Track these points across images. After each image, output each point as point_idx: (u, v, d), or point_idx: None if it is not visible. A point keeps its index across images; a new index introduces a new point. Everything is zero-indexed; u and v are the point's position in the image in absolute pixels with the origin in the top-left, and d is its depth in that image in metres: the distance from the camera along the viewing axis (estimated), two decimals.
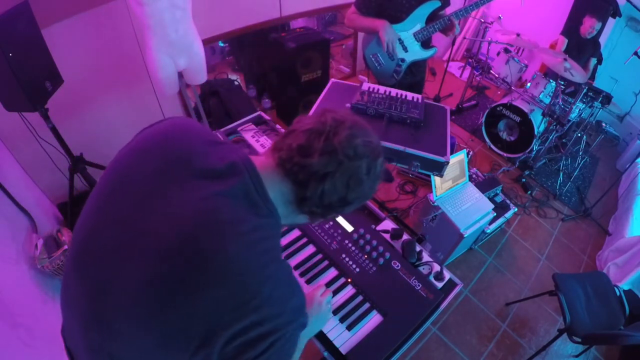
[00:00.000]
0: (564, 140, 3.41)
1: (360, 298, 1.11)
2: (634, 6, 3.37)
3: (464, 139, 3.50)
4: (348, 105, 1.70)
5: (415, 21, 1.92)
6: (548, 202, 3.03)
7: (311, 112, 1.67)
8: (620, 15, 3.11)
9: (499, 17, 4.01)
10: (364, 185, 0.64)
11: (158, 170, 0.61)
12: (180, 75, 2.20)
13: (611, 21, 3.32)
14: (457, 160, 2.13)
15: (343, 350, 1.00)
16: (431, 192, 2.08)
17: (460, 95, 3.87)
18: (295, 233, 1.26)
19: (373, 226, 1.29)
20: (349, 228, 1.26)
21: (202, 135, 0.68)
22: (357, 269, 1.16)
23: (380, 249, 1.19)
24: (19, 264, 1.56)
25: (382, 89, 1.79)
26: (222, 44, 3.86)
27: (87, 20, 2.09)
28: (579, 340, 1.70)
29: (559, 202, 3.06)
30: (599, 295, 1.89)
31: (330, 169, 0.60)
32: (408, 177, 2.93)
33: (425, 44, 2.02)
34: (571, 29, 3.19)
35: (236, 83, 3.19)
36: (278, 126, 1.69)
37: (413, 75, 2.16)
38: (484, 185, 2.40)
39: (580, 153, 3.27)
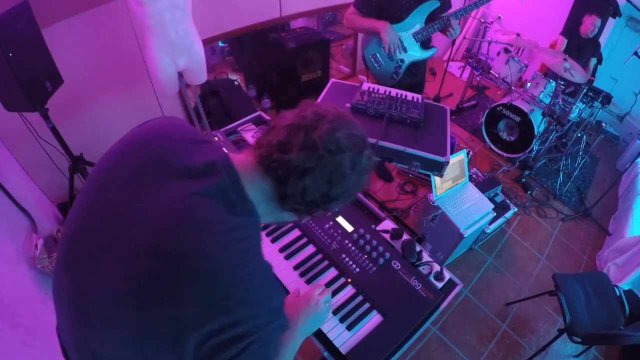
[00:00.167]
0: (564, 140, 3.41)
1: (360, 298, 1.11)
2: (634, 6, 3.37)
3: (464, 139, 3.50)
4: (348, 105, 1.70)
5: (415, 21, 1.92)
6: (548, 202, 3.03)
7: None
8: (620, 15, 3.11)
9: (499, 17, 4.01)
10: (349, 180, 0.62)
11: (139, 170, 0.61)
12: (180, 75, 2.20)
13: (611, 21, 3.32)
14: (457, 160, 2.13)
15: (343, 350, 1.00)
16: (431, 192, 2.08)
17: (460, 95, 3.87)
18: (295, 233, 1.26)
19: (373, 226, 1.29)
20: (349, 228, 1.26)
21: (184, 134, 0.67)
22: (357, 269, 1.16)
23: (380, 249, 1.19)
24: (19, 264, 1.56)
25: (382, 89, 1.79)
26: (222, 44, 3.86)
27: (87, 20, 2.09)
28: (579, 340, 1.70)
29: (559, 202, 3.06)
30: (599, 295, 1.89)
31: (310, 164, 0.58)
32: (408, 177, 2.93)
33: (425, 44, 2.02)
34: (571, 29, 3.19)
35: (236, 83, 3.19)
36: None
37: (413, 76, 2.16)
38: (484, 185, 2.40)
39: (580, 153, 3.27)
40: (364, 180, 0.67)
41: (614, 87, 3.16)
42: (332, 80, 1.94)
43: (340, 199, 0.64)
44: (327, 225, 1.26)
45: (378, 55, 2.01)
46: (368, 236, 1.22)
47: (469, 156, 3.08)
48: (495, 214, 2.24)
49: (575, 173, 3.28)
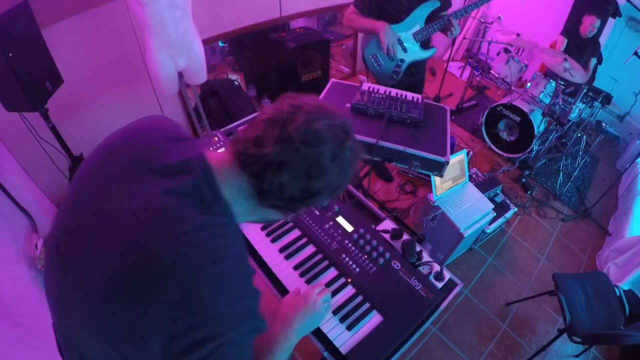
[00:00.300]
0: (564, 140, 3.41)
1: (360, 298, 1.11)
2: (634, 6, 3.37)
3: (464, 139, 3.50)
4: (348, 105, 1.70)
5: (415, 21, 1.92)
6: (548, 202, 3.03)
7: None
8: (620, 15, 3.11)
9: (499, 17, 4.01)
10: (330, 173, 0.59)
11: (119, 169, 0.61)
12: (180, 75, 2.20)
13: (611, 21, 3.32)
14: (457, 160, 2.13)
15: (343, 350, 1.00)
16: (431, 192, 2.08)
17: (460, 95, 3.87)
18: (296, 233, 1.26)
19: (373, 226, 1.29)
20: (349, 228, 1.26)
21: (165, 133, 0.67)
22: (357, 269, 1.16)
23: (380, 249, 1.19)
24: (19, 264, 1.56)
25: (382, 88, 1.79)
26: (222, 44, 3.87)
27: (87, 20, 2.09)
28: (579, 340, 1.70)
29: (559, 202, 3.06)
30: (599, 295, 1.89)
31: (286, 157, 0.56)
32: (408, 177, 2.93)
33: (425, 44, 2.02)
34: (571, 29, 3.19)
35: (236, 83, 3.19)
36: None
37: (413, 76, 2.16)
38: (484, 185, 2.40)
39: (580, 153, 3.27)
40: (349, 173, 0.63)
41: (614, 87, 3.16)
42: (332, 80, 1.94)
43: (323, 193, 0.62)
44: (327, 225, 1.26)
45: (378, 55, 2.01)
46: (368, 236, 1.22)
47: (469, 156, 3.08)
48: (495, 214, 2.24)
49: (575, 173, 3.28)
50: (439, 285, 1.16)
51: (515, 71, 3.45)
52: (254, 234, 1.25)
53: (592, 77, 3.22)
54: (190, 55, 2.10)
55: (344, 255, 1.19)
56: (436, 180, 2.05)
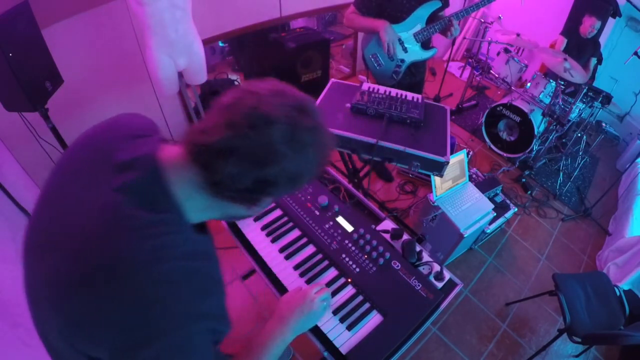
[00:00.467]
0: (564, 140, 3.41)
1: (360, 298, 1.11)
2: (634, 6, 3.37)
3: (464, 139, 3.50)
4: (348, 105, 1.70)
5: (416, 22, 1.92)
6: (548, 202, 3.03)
7: None
8: (620, 15, 3.11)
9: (499, 17, 4.01)
10: (285, 158, 0.54)
11: (80, 165, 0.62)
12: (180, 75, 2.20)
13: (611, 21, 3.32)
14: (457, 160, 2.13)
15: (343, 350, 1.00)
16: (431, 192, 2.08)
17: (460, 95, 3.87)
18: (296, 233, 1.26)
19: (373, 226, 1.29)
20: (349, 228, 1.26)
21: (129, 131, 0.66)
22: (357, 269, 1.16)
23: (380, 249, 1.19)
24: (19, 264, 1.56)
25: (382, 88, 1.79)
26: (222, 44, 3.86)
27: (87, 20, 2.09)
28: (579, 340, 1.70)
29: (559, 202, 3.06)
30: (599, 295, 1.89)
31: (233, 144, 0.52)
32: (408, 177, 2.93)
33: (425, 44, 2.02)
34: (571, 29, 3.19)
35: (236, 83, 3.19)
36: None
37: (413, 76, 2.16)
38: (484, 185, 2.40)
39: (580, 153, 3.27)
40: (311, 159, 0.57)
41: (614, 87, 3.16)
42: (332, 80, 1.94)
43: (281, 182, 0.56)
44: (327, 225, 1.26)
45: (378, 55, 2.01)
46: (368, 236, 1.22)
47: (469, 156, 3.08)
48: (495, 214, 2.24)
49: (575, 173, 3.28)
50: (439, 285, 1.16)
51: (515, 71, 3.45)
52: (254, 234, 1.26)
53: (592, 77, 3.22)
54: (190, 55, 2.10)
55: (344, 255, 1.19)
56: (436, 180, 2.05)
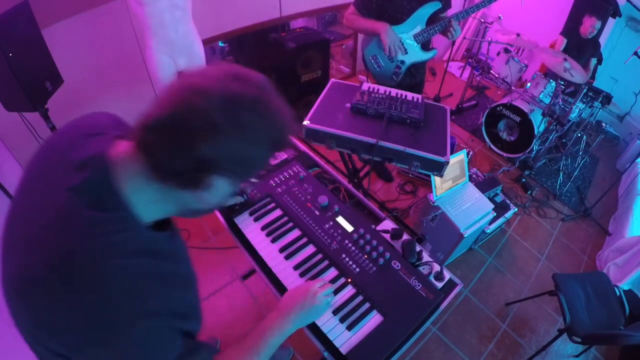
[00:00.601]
0: (564, 140, 3.41)
1: (360, 298, 1.11)
2: (634, 6, 3.37)
3: (464, 139, 3.50)
4: (348, 105, 1.70)
5: (416, 23, 1.92)
6: (548, 202, 3.03)
7: (310, 112, 1.68)
8: (620, 15, 3.11)
9: (499, 17, 4.01)
10: (226, 135, 0.51)
11: (43, 163, 0.63)
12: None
13: (611, 21, 3.32)
14: (457, 160, 2.13)
15: (343, 350, 1.00)
16: (431, 192, 2.08)
17: (460, 95, 3.87)
18: (296, 233, 1.26)
19: (373, 226, 1.29)
20: (349, 228, 1.26)
21: (87, 128, 0.66)
22: (357, 269, 1.16)
23: (380, 249, 1.19)
24: None
25: (382, 88, 1.79)
26: (222, 44, 3.86)
27: (87, 20, 2.09)
28: (579, 340, 1.70)
29: (559, 202, 3.06)
30: (599, 295, 1.89)
31: (165, 119, 0.50)
32: (408, 177, 2.93)
33: (425, 45, 2.02)
34: (571, 29, 3.19)
35: None
36: None
37: (413, 77, 2.16)
38: (484, 185, 2.40)
39: (580, 153, 3.27)
40: (259, 134, 0.54)
41: (614, 87, 3.16)
42: (332, 80, 1.94)
43: (224, 161, 0.53)
44: (327, 225, 1.26)
45: (378, 57, 2.01)
46: (368, 236, 1.22)
47: (469, 156, 3.09)
48: (495, 214, 2.24)
49: (575, 173, 3.29)
50: (439, 285, 1.16)
51: (515, 71, 3.45)
52: (254, 234, 1.26)
53: (592, 77, 3.23)
54: (190, 55, 2.10)
55: (344, 255, 1.19)
56: (436, 180, 2.05)
